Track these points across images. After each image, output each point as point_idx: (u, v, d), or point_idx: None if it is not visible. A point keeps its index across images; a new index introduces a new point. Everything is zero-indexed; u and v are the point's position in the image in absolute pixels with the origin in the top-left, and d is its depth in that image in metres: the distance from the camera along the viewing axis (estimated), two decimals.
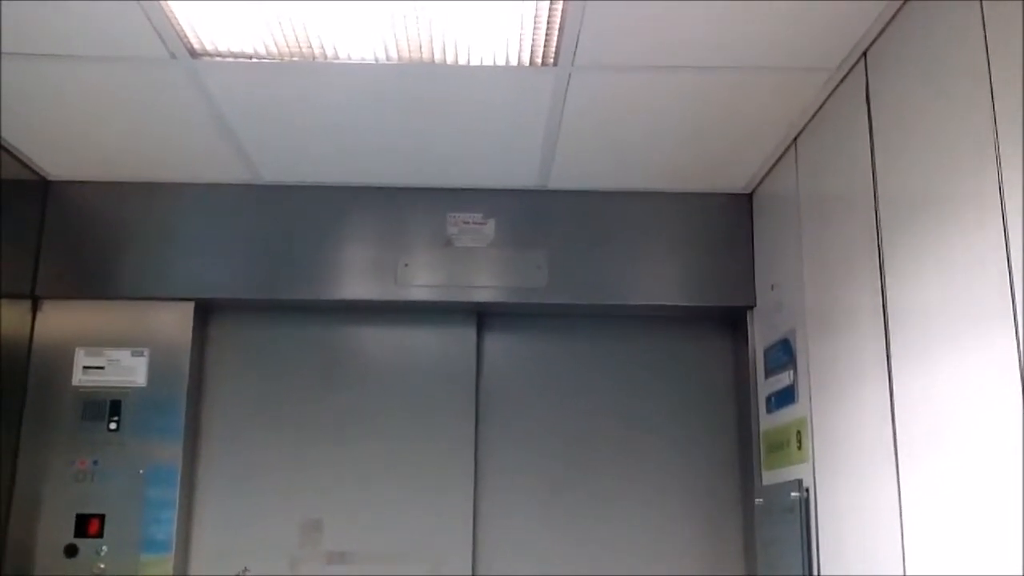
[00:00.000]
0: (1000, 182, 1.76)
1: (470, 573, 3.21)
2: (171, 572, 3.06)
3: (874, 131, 2.31)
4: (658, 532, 3.31)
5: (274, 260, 3.27)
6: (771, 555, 2.96)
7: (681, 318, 3.45)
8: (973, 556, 1.82)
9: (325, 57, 2.46)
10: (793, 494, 2.74)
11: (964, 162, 1.89)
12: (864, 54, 2.36)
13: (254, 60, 2.48)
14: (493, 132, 2.90)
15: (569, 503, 3.33)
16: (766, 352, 3.12)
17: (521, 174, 3.23)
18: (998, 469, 1.74)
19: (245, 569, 3.20)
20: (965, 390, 1.86)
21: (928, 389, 2.01)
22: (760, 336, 3.20)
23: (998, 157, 1.77)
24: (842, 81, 2.50)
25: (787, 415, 2.90)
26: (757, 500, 3.11)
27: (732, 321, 3.42)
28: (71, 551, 3.07)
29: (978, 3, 1.84)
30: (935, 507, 1.97)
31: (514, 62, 2.48)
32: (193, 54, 2.45)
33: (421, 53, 2.44)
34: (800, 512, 2.70)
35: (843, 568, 2.46)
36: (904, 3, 2.15)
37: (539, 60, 2.47)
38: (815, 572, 2.61)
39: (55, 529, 3.08)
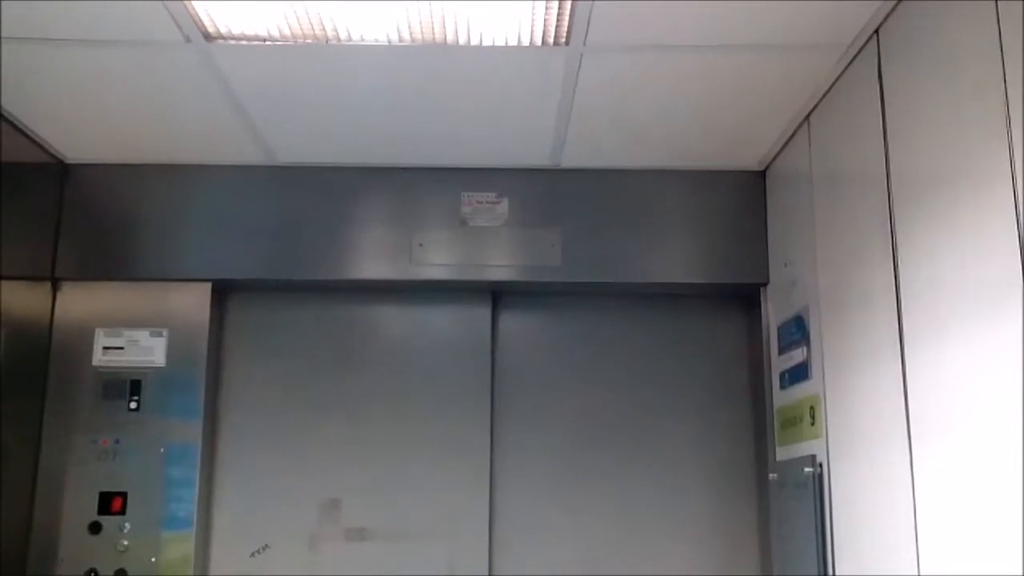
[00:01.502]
0: (1012, 160, 1.76)
1: (487, 549, 3.24)
2: (192, 549, 3.11)
3: (886, 109, 2.30)
4: (673, 508, 3.34)
5: (290, 241, 3.29)
6: (785, 530, 2.98)
7: (695, 295, 3.46)
8: (986, 532, 1.84)
9: (338, 39, 2.47)
10: (807, 469, 2.75)
11: (976, 140, 1.89)
12: (876, 32, 2.35)
13: (268, 43, 2.49)
14: (506, 112, 2.91)
15: (584, 479, 3.35)
16: (780, 329, 3.13)
17: (534, 153, 3.24)
18: (1010, 446, 1.75)
19: (265, 546, 3.25)
20: (977, 367, 1.87)
21: (940, 366, 2.02)
22: (774, 313, 3.21)
23: (1010, 135, 1.77)
24: (854, 59, 2.50)
25: (801, 391, 2.91)
26: (771, 475, 3.12)
27: (746, 298, 3.42)
28: (95, 528, 3.11)
29: None
30: (948, 482, 1.98)
31: (526, 42, 2.48)
32: (207, 37, 2.46)
33: (434, 34, 2.44)
34: (813, 487, 2.71)
35: (856, 542, 2.47)
36: None
37: (551, 40, 2.47)
38: (828, 547, 2.63)
39: (79, 507, 3.12)
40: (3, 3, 2.28)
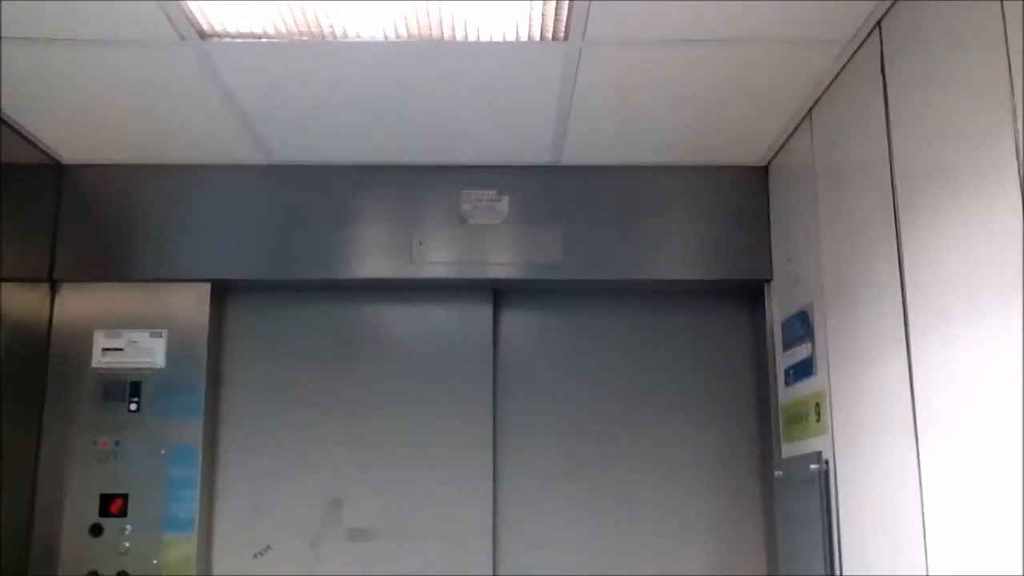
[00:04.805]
0: (1017, 152, 1.74)
1: (491, 548, 3.22)
2: (194, 550, 3.10)
3: (889, 102, 2.28)
4: (678, 506, 3.32)
5: (289, 240, 3.27)
6: (791, 527, 2.96)
7: (698, 292, 3.44)
8: (994, 527, 1.82)
9: (334, 36, 2.45)
10: (812, 466, 2.74)
11: (980, 132, 1.87)
12: (878, 24, 2.33)
13: (263, 40, 2.47)
14: (505, 108, 2.89)
15: (588, 477, 3.33)
16: (784, 325, 3.11)
17: (534, 150, 3.22)
18: (1018, 440, 1.73)
19: (267, 547, 3.23)
20: (983, 361, 1.85)
21: (947, 360, 2.00)
22: (778, 309, 3.19)
23: (1016, 128, 1.75)
24: (856, 52, 2.47)
25: (806, 388, 2.89)
26: (776, 472, 3.10)
27: (749, 294, 3.40)
28: (96, 530, 3.10)
29: None
30: (955, 478, 1.96)
31: (524, 37, 2.46)
32: (202, 35, 2.44)
33: (430, 30, 2.42)
34: (819, 484, 2.69)
35: (862, 539, 2.45)
36: None
37: (549, 35, 2.45)
38: (835, 543, 2.61)
39: (80, 509, 3.11)
40: None
